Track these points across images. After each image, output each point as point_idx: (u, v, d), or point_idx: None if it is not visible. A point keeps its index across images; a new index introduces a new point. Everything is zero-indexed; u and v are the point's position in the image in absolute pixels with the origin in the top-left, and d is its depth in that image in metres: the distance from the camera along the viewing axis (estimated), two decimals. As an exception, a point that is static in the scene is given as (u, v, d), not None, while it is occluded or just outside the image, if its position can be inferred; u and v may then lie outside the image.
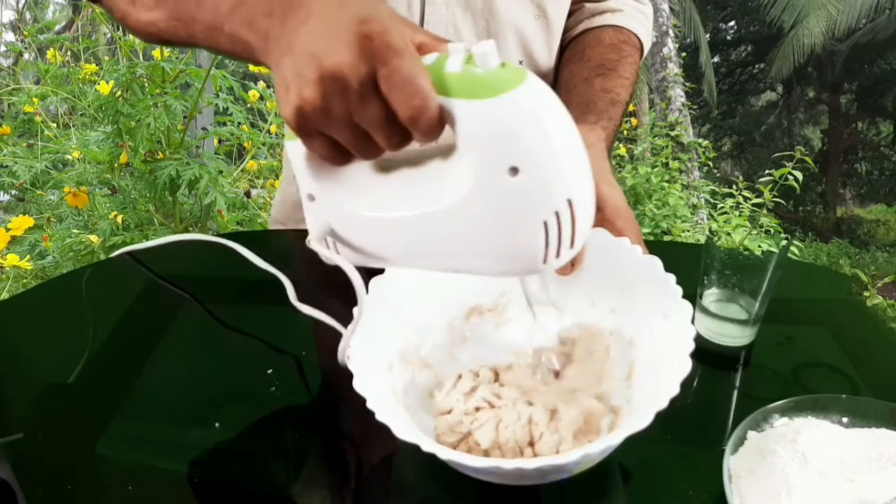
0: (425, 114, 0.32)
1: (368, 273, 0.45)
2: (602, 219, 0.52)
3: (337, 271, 0.42)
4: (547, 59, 0.74)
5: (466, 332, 0.53)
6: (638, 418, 0.36)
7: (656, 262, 0.47)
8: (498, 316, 0.54)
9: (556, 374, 0.48)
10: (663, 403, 0.36)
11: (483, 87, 0.32)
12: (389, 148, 0.35)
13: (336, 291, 0.41)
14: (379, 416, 0.37)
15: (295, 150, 0.39)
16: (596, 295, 0.51)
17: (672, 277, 0.46)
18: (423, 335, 0.50)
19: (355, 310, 0.43)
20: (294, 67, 0.34)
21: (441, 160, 0.37)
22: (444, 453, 0.36)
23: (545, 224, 0.34)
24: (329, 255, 0.42)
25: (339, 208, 0.40)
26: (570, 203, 0.34)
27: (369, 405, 0.37)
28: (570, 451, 0.36)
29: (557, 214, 0.34)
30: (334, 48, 0.32)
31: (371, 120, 0.33)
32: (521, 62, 0.72)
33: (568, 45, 0.74)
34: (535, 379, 0.48)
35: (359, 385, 0.39)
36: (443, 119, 0.33)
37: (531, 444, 0.43)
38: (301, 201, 0.42)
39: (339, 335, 0.44)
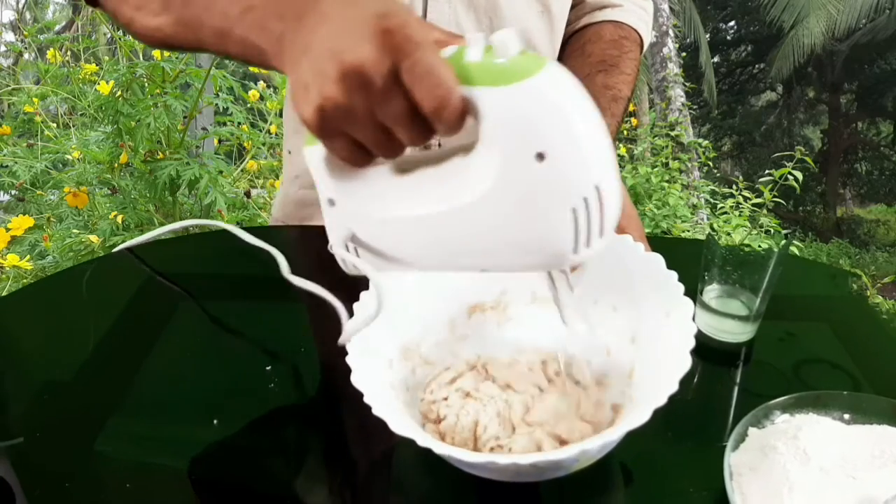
0: (449, 103, 0.32)
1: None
2: None
3: (333, 262, 0.41)
4: (550, 54, 0.74)
5: (468, 329, 0.53)
6: (636, 415, 0.36)
7: (658, 260, 0.47)
8: (500, 314, 0.54)
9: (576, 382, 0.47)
10: (662, 400, 0.36)
11: (504, 75, 0.32)
12: (411, 143, 0.35)
13: (334, 282, 0.41)
14: (376, 411, 0.36)
15: (314, 154, 0.39)
16: (598, 292, 0.51)
17: (674, 275, 0.46)
18: (425, 331, 0.50)
19: (363, 297, 0.42)
20: (314, 67, 0.34)
21: (462, 156, 0.36)
22: (440, 448, 0.36)
23: (574, 211, 0.34)
24: (352, 259, 0.41)
25: (361, 212, 0.40)
26: (598, 189, 0.34)
27: (367, 399, 0.37)
28: (568, 447, 0.36)
29: (586, 201, 0.34)
30: (355, 45, 0.32)
31: (394, 115, 0.33)
32: None
33: (568, 39, 0.74)
34: (533, 379, 0.48)
35: (357, 379, 0.39)
36: (465, 110, 0.33)
37: (475, 445, 0.43)
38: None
39: (338, 329, 0.44)
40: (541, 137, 0.32)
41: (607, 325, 0.50)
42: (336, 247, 0.41)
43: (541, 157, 0.33)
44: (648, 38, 0.75)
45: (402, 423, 0.37)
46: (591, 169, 0.33)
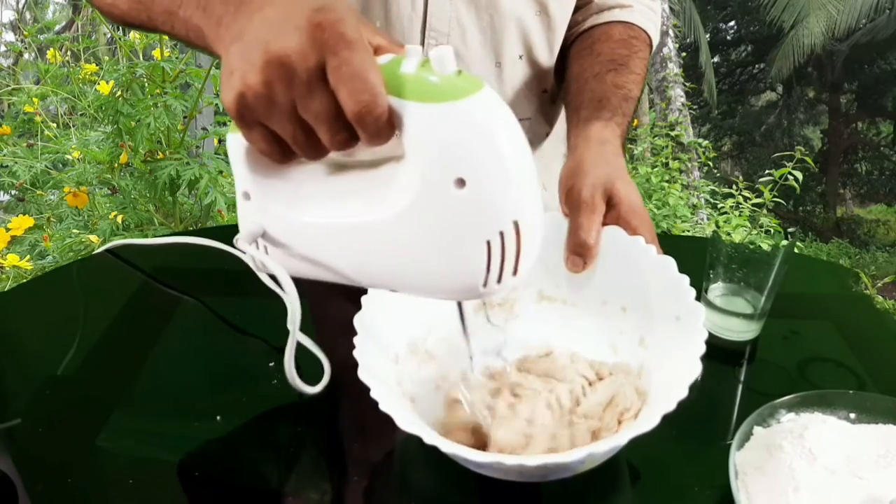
0: (373, 111, 0.31)
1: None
2: (617, 217, 0.51)
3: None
4: (547, 56, 0.73)
5: (474, 325, 0.52)
6: (645, 420, 0.36)
7: (670, 263, 0.47)
8: (507, 311, 0.54)
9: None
10: (671, 406, 0.36)
11: (436, 92, 0.31)
12: (333, 147, 0.33)
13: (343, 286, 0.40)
14: (383, 406, 0.36)
15: (234, 143, 0.37)
16: (608, 293, 0.51)
17: (686, 279, 0.45)
18: (431, 327, 0.50)
19: (289, 324, 0.41)
20: (242, 53, 0.33)
21: (395, 164, 0.35)
22: (447, 446, 0.36)
23: (488, 244, 0.33)
24: (259, 257, 0.40)
25: (276, 210, 0.38)
26: (516, 225, 0.33)
27: (373, 394, 0.37)
28: (576, 451, 0.36)
29: (502, 235, 0.33)
30: (284, 35, 0.31)
31: (316, 113, 0.32)
32: (520, 57, 0.71)
33: (576, 39, 0.74)
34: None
35: (363, 374, 0.38)
36: (392, 121, 0.32)
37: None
38: None
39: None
40: (463, 163, 0.31)
41: (615, 325, 0.50)
42: (242, 242, 0.39)
43: (461, 183, 0.31)
44: (657, 38, 0.75)
45: (408, 419, 0.37)
46: (511, 203, 0.32)
